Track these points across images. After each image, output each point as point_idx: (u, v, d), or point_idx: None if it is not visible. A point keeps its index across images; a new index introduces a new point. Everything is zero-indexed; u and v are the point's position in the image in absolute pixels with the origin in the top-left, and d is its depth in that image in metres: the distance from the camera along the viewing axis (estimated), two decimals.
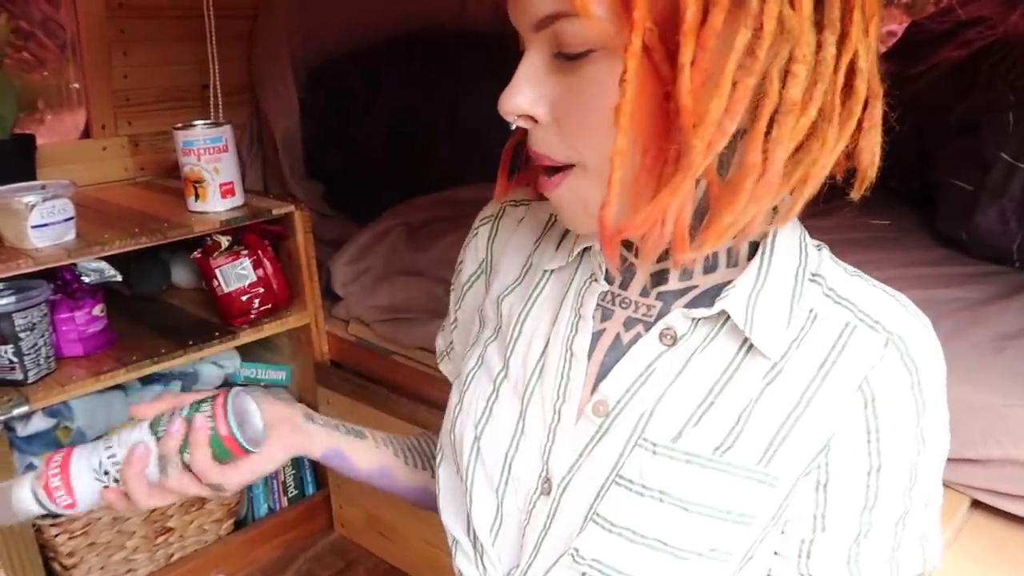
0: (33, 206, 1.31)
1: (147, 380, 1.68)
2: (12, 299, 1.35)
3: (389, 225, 1.90)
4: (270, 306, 1.72)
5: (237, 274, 1.66)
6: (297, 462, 2.00)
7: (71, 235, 1.39)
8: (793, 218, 0.54)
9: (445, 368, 0.83)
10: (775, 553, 0.60)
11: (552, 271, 0.67)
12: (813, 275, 0.58)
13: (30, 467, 1.38)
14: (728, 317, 0.57)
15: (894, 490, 0.57)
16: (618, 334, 0.61)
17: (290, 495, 2.01)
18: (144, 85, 1.89)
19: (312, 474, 2.04)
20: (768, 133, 0.48)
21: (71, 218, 1.39)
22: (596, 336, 0.62)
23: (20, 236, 1.33)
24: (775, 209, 0.55)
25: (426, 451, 0.83)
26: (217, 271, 1.64)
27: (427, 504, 0.84)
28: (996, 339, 1.15)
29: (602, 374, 0.61)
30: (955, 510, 1.02)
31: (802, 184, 0.50)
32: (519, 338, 0.66)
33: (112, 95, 1.84)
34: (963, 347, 1.12)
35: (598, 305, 0.63)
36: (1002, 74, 1.73)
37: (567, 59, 0.50)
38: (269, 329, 1.74)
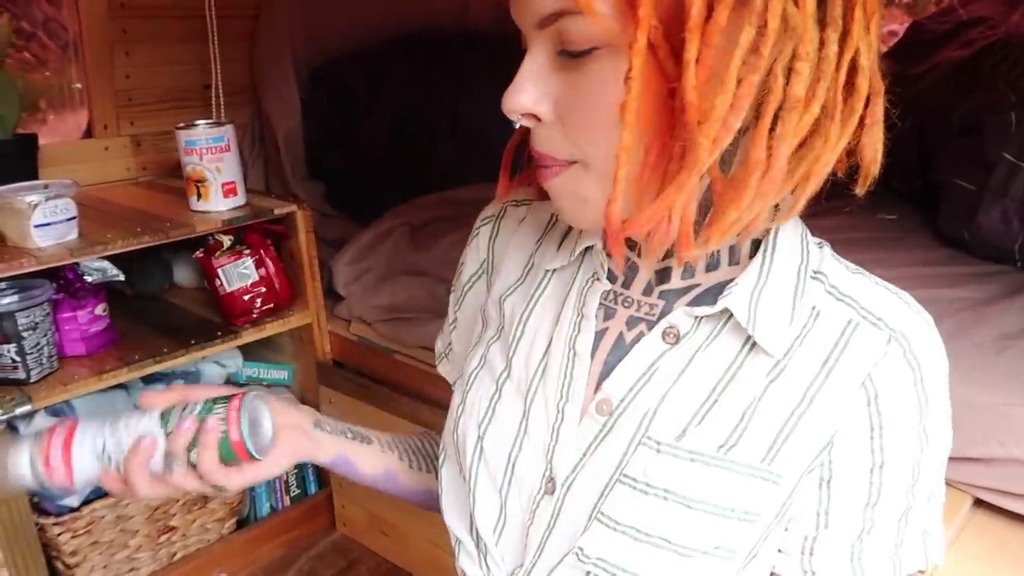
0: (36, 205, 1.31)
1: (149, 379, 1.68)
2: (15, 298, 1.35)
3: (391, 225, 1.90)
4: (272, 305, 1.73)
5: (239, 273, 1.66)
6: (299, 463, 2.00)
7: (73, 234, 1.39)
8: (796, 215, 0.54)
9: (443, 370, 0.83)
10: (779, 550, 0.60)
11: (554, 270, 0.67)
12: (815, 272, 0.58)
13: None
14: (731, 315, 0.57)
15: (897, 486, 0.57)
16: (621, 333, 0.62)
17: (292, 494, 2.01)
18: (146, 85, 1.89)
19: (314, 473, 2.04)
20: (772, 130, 0.48)
21: (73, 217, 1.39)
22: (599, 335, 0.62)
23: (23, 235, 1.33)
24: (776, 207, 0.55)
25: (429, 452, 0.83)
26: (219, 270, 1.64)
27: (430, 505, 0.84)
28: (998, 339, 1.16)
29: (605, 373, 0.61)
30: (957, 509, 1.02)
31: (805, 181, 0.51)
32: (522, 338, 0.66)
33: (114, 95, 1.84)
34: (965, 347, 1.12)
35: (601, 304, 0.63)
36: (1004, 74, 1.73)
37: (571, 57, 0.51)
38: (271, 329, 1.74)
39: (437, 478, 0.81)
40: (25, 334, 1.36)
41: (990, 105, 1.64)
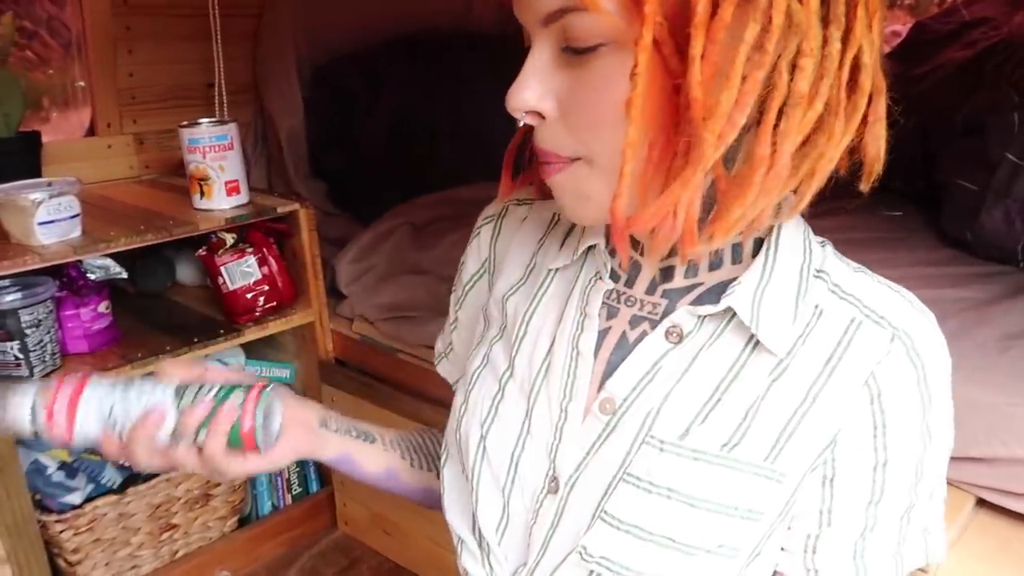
0: (39, 203, 1.32)
1: (151, 377, 1.68)
2: (18, 295, 1.36)
3: (393, 224, 1.90)
4: (275, 304, 1.73)
5: (242, 272, 1.66)
6: (302, 460, 2.00)
7: (77, 232, 1.39)
8: (800, 212, 0.54)
9: (443, 369, 0.83)
10: (782, 549, 0.60)
11: (557, 270, 0.67)
12: (818, 271, 0.59)
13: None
14: (734, 314, 0.57)
15: (900, 484, 0.57)
16: (624, 332, 0.62)
17: (294, 492, 2.01)
18: (149, 83, 1.89)
19: (316, 472, 2.04)
20: (775, 127, 0.48)
21: (77, 215, 1.39)
22: (602, 334, 0.62)
23: (26, 233, 1.33)
24: (778, 205, 0.55)
25: (430, 450, 0.83)
26: (222, 269, 1.64)
27: (431, 504, 0.84)
28: (1001, 339, 1.16)
29: (608, 372, 0.61)
30: (960, 508, 1.02)
31: (809, 178, 0.51)
32: (524, 337, 0.66)
33: (117, 93, 1.85)
34: (968, 347, 1.12)
35: (603, 303, 0.63)
36: (1007, 75, 1.72)
37: (575, 53, 0.51)
38: (274, 327, 1.75)
39: (439, 477, 0.81)
40: (28, 331, 1.36)
41: (993, 105, 1.64)
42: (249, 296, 1.68)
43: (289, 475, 1.99)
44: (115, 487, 1.61)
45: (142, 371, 1.53)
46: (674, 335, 0.59)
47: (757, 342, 0.57)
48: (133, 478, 1.63)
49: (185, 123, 1.60)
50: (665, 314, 0.60)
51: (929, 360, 0.56)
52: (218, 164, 1.58)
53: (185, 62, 1.93)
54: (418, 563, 1.84)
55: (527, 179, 0.69)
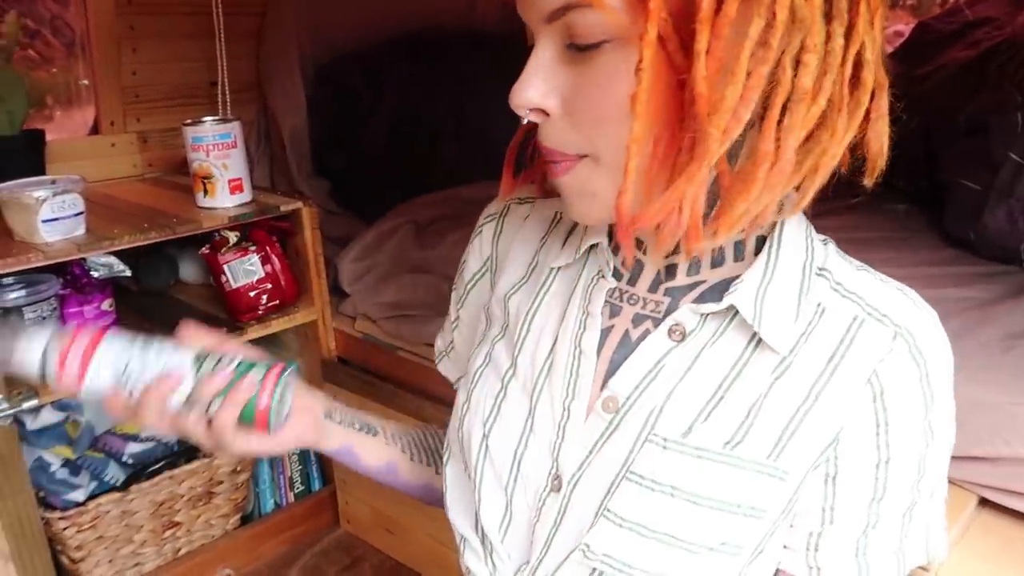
0: (43, 201, 1.32)
1: None
2: (22, 292, 1.36)
3: (396, 223, 1.90)
4: (278, 302, 1.73)
5: (245, 270, 1.66)
6: (304, 458, 2.01)
7: (81, 230, 1.40)
8: (803, 208, 0.54)
9: (444, 368, 0.83)
10: (784, 546, 0.61)
11: (559, 268, 0.67)
12: (820, 269, 0.59)
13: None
14: (736, 312, 0.57)
15: (902, 482, 0.57)
16: (627, 331, 0.62)
17: (296, 491, 2.01)
18: (153, 82, 1.89)
19: (318, 470, 2.04)
20: (779, 122, 0.49)
21: (81, 213, 1.39)
22: (605, 333, 0.62)
23: (30, 230, 1.33)
24: (780, 202, 0.55)
25: (430, 446, 0.83)
26: (225, 267, 1.64)
27: (429, 499, 0.84)
28: (1004, 338, 1.15)
29: (611, 371, 0.61)
30: (963, 508, 1.02)
31: (812, 173, 0.51)
32: (527, 336, 0.66)
33: (121, 91, 1.85)
34: (971, 346, 1.12)
35: (606, 302, 0.63)
36: (1010, 74, 1.72)
37: (579, 50, 0.51)
38: (277, 325, 1.75)
39: (440, 475, 0.81)
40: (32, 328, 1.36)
41: (996, 105, 1.64)
42: (252, 294, 1.68)
43: (291, 473, 2.00)
44: (118, 484, 1.61)
45: None
46: (677, 333, 0.59)
47: (760, 340, 0.57)
48: (136, 476, 1.63)
49: (189, 121, 1.60)
50: (668, 312, 0.60)
51: (931, 358, 0.56)
52: (221, 162, 1.58)
53: (189, 60, 1.93)
54: (420, 561, 1.85)
55: (528, 177, 0.69)
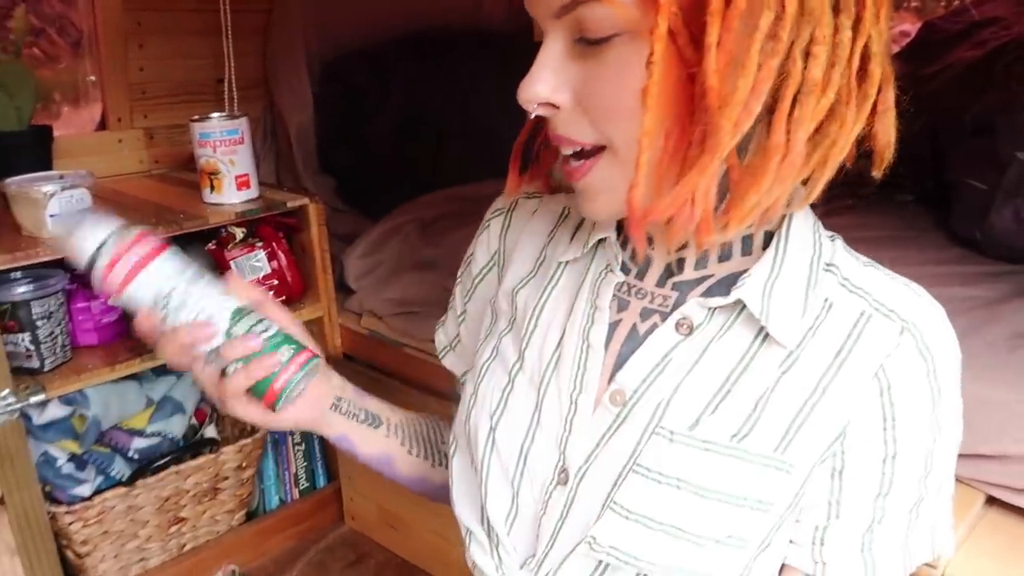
0: (51, 195, 1.32)
1: (160, 370, 1.69)
2: (30, 287, 1.37)
3: (402, 220, 1.90)
4: (284, 298, 1.73)
5: (251, 266, 1.67)
6: (308, 454, 2.01)
7: None
8: (812, 201, 0.55)
9: (449, 362, 0.83)
10: (790, 541, 0.61)
11: (567, 263, 0.67)
12: (827, 265, 0.59)
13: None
14: (744, 306, 0.57)
15: (909, 477, 0.57)
16: (634, 324, 0.62)
17: (301, 487, 2.01)
18: (160, 78, 1.90)
19: (323, 466, 2.05)
20: (789, 114, 0.49)
21: (88, 208, 1.39)
22: (612, 327, 0.63)
23: (38, 225, 1.33)
24: (788, 199, 0.55)
25: (432, 440, 0.83)
26: (232, 263, 1.65)
27: (421, 490, 0.84)
28: (1011, 337, 1.15)
29: (619, 364, 0.61)
30: (970, 506, 1.02)
31: (822, 166, 0.52)
32: (535, 330, 0.66)
33: (128, 88, 1.85)
34: (978, 345, 1.12)
35: (614, 296, 0.63)
36: (1017, 74, 1.72)
37: (589, 44, 0.51)
38: None
39: (436, 469, 0.81)
40: (39, 323, 1.37)
41: (1003, 105, 1.63)
42: None
43: (296, 470, 2.00)
44: (124, 480, 1.62)
45: (152, 364, 1.54)
46: (684, 327, 0.59)
47: (767, 334, 0.57)
48: (142, 471, 1.64)
49: (196, 117, 1.60)
50: (675, 306, 0.60)
51: (939, 353, 0.56)
52: (228, 158, 1.58)
53: (195, 57, 1.93)
54: (425, 558, 1.85)
55: (534, 174, 0.69)
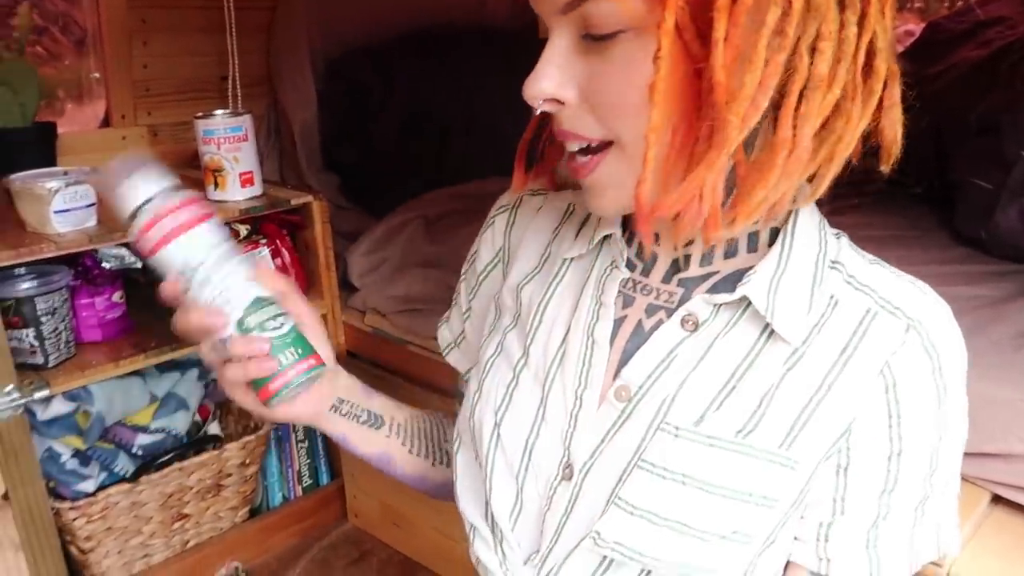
0: (56, 191, 1.32)
1: (164, 367, 1.69)
2: (34, 283, 1.37)
3: (406, 217, 1.90)
4: None
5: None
6: (312, 452, 2.01)
7: (92, 221, 1.40)
8: (819, 196, 0.55)
9: (453, 359, 0.83)
10: (795, 538, 0.61)
11: (572, 259, 0.67)
12: (833, 262, 0.59)
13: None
14: (749, 303, 0.57)
15: (915, 474, 0.57)
16: (640, 321, 0.62)
17: (305, 484, 2.02)
18: (164, 75, 1.90)
19: (327, 464, 2.05)
20: (796, 110, 0.49)
21: (93, 204, 1.39)
22: (618, 323, 0.63)
23: (43, 221, 1.34)
24: (794, 196, 0.55)
25: (435, 438, 0.83)
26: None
27: (422, 488, 0.84)
28: (1016, 336, 1.15)
29: (624, 360, 0.61)
30: (975, 505, 1.02)
31: (828, 162, 0.52)
32: (539, 326, 0.66)
33: (132, 85, 1.85)
34: (983, 344, 1.12)
35: (619, 292, 0.63)
36: (1022, 74, 1.72)
37: (595, 40, 0.51)
38: None
39: (436, 467, 0.81)
40: (43, 319, 1.37)
41: (1008, 105, 1.63)
42: None
43: (300, 467, 2.00)
44: (128, 476, 1.62)
45: (156, 361, 1.54)
46: (690, 323, 0.59)
47: (772, 331, 0.57)
48: (146, 467, 1.64)
49: (200, 114, 1.60)
50: (681, 303, 0.60)
51: (944, 351, 0.56)
52: (232, 155, 1.58)
53: (200, 55, 1.93)
54: (427, 555, 1.85)
55: (540, 172, 0.69)
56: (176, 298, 0.65)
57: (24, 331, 1.36)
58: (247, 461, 1.80)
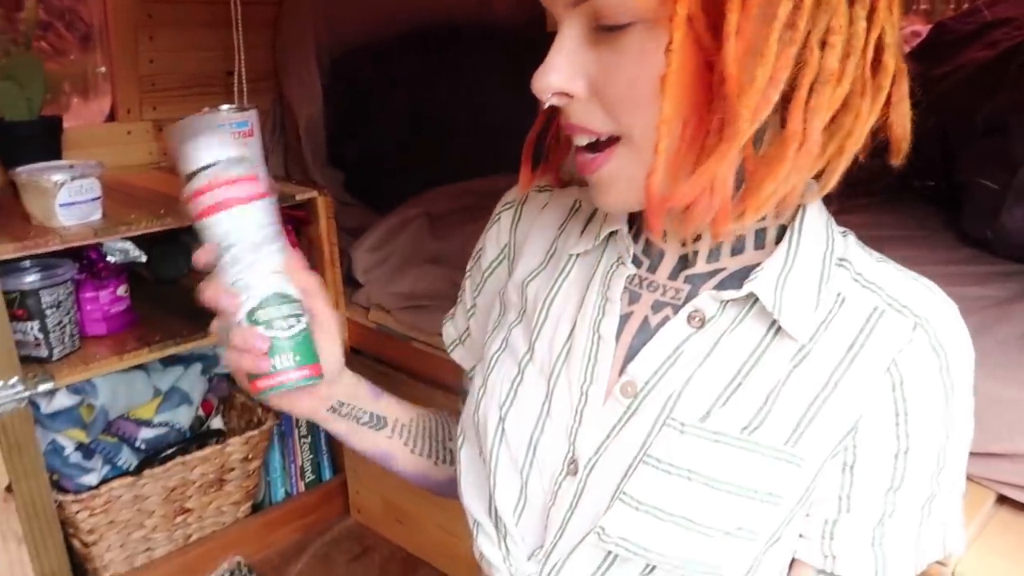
0: (61, 184, 1.32)
1: (167, 361, 1.70)
2: (39, 276, 1.37)
3: (410, 214, 1.90)
4: None
5: None
6: (315, 447, 2.01)
7: (98, 215, 1.40)
8: (828, 190, 0.55)
9: (458, 356, 0.83)
10: (800, 535, 0.60)
11: (578, 255, 0.67)
12: (840, 260, 0.59)
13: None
14: (756, 299, 0.57)
15: (921, 473, 0.57)
16: (646, 317, 0.62)
17: (307, 480, 2.02)
18: (169, 70, 1.90)
19: (329, 459, 2.05)
20: (806, 103, 0.49)
21: (98, 198, 1.39)
22: (624, 319, 0.63)
23: (48, 214, 1.34)
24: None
25: (439, 437, 0.83)
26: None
27: (424, 486, 0.84)
28: (1023, 336, 1.15)
29: (630, 356, 0.61)
30: (980, 505, 1.01)
31: (837, 156, 0.52)
32: (545, 321, 0.66)
33: (138, 80, 1.85)
34: (989, 344, 1.11)
35: (625, 288, 0.63)
36: None
37: (605, 32, 0.51)
38: None
39: (439, 466, 0.81)
40: (48, 312, 1.37)
41: (1015, 105, 1.63)
42: None
43: (302, 462, 2.00)
44: (131, 469, 1.62)
45: (160, 355, 1.54)
46: (696, 320, 0.59)
47: (779, 328, 0.57)
48: (149, 461, 1.64)
49: (207, 109, 1.60)
50: (687, 299, 0.60)
51: (952, 349, 0.56)
52: None
53: (205, 50, 1.93)
54: (430, 552, 1.85)
55: (546, 170, 0.69)
56: (207, 266, 0.65)
57: (29, 324, 1.36)
58: (250, 456, 1.80)
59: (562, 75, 0.53)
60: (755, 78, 0.47)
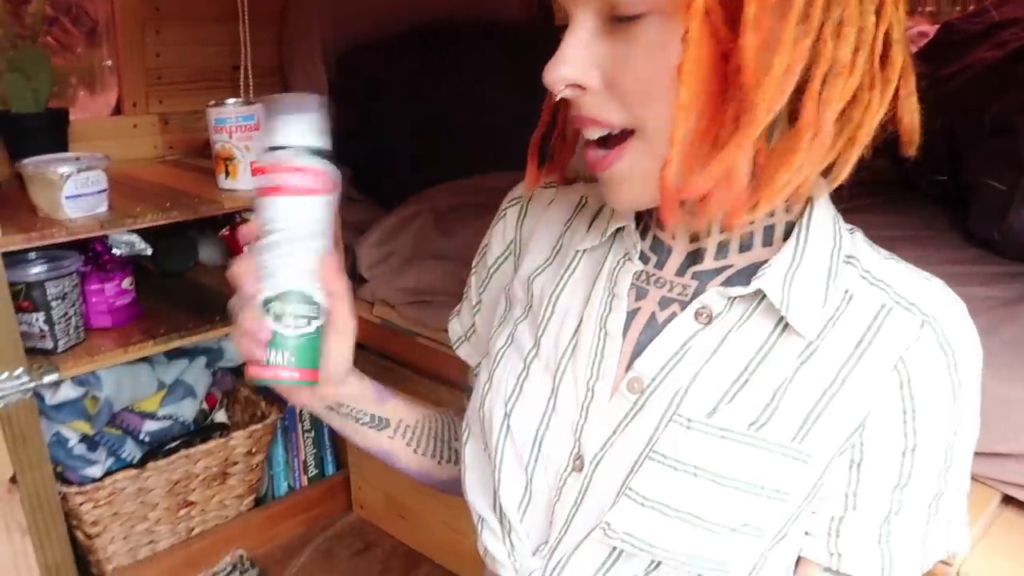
0: (67, 177, 1.32)
1: (172, 354, 1.70)
2: (45, 268, 1.37)
3: (416, 209, 1.90)
4: None
5: None
6: (318, 442, 2.02)
7: (103, 207, 1.40)
8: (840, 181, 0.55)
9: (464, 352, 0.83)
10: (806, 533, 0.60)
11: (584, 251, 0.67)
12: (848, 257, 0.59)
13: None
14: (764, 296, 0.57)
15: (928, 471, 0.57)
16: (653, 313, 0.62)
17: (310, 474, 2.02)
18: (176, 64, 1.90)
19: (332, 454, 2.05)
20: (819, 94, 0.49)
21: (104, 190, 1.39)
22: (631, 315, 0.62)
23: (54, 206, 1.34)
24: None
25: (443, 436, 0.83)
26: (246, 248, 1.64)
27: (427, 483, 0.84)
28: None
29: (637, 352, 0.61)
30: (986, 504, 1.01)
31: (849, 147, 0.52)
32: (551, 317, 0.66)
33: (144, 73, 1.85)
34: (996, 344, 1.11)
35: (632, 284, 0.63)
36: None
37: (620, 22, 0.51)
38: None
39: (456, 463, 0.81)
40: (53, 304, 1.37)
41: (1022, 106, 1.63)
42: None
43: (305, 457, 2.01)
44: (134, 462, 1.62)
45: (165, 347, 1.54)
46: (704, 316, 0.59)
47: (786, 324, 0.57)
48: (153, 453, 1.64)
49: (213, 103, 1.60)
50: (695, 295, 0.60)
51: (959, 347, 0.56)
52: (244, 144, 1.58)
53: (212, 44, 1.93)
54: (432, 548, 1.85)
55: (551, 169, 0.69)
56: (247, 240, 0.65)
57: (34, 315, 1.37)
58: (253, 450, 1.81)
59: (576, 67, 0.53)
60: (772, 68, 0.47)
